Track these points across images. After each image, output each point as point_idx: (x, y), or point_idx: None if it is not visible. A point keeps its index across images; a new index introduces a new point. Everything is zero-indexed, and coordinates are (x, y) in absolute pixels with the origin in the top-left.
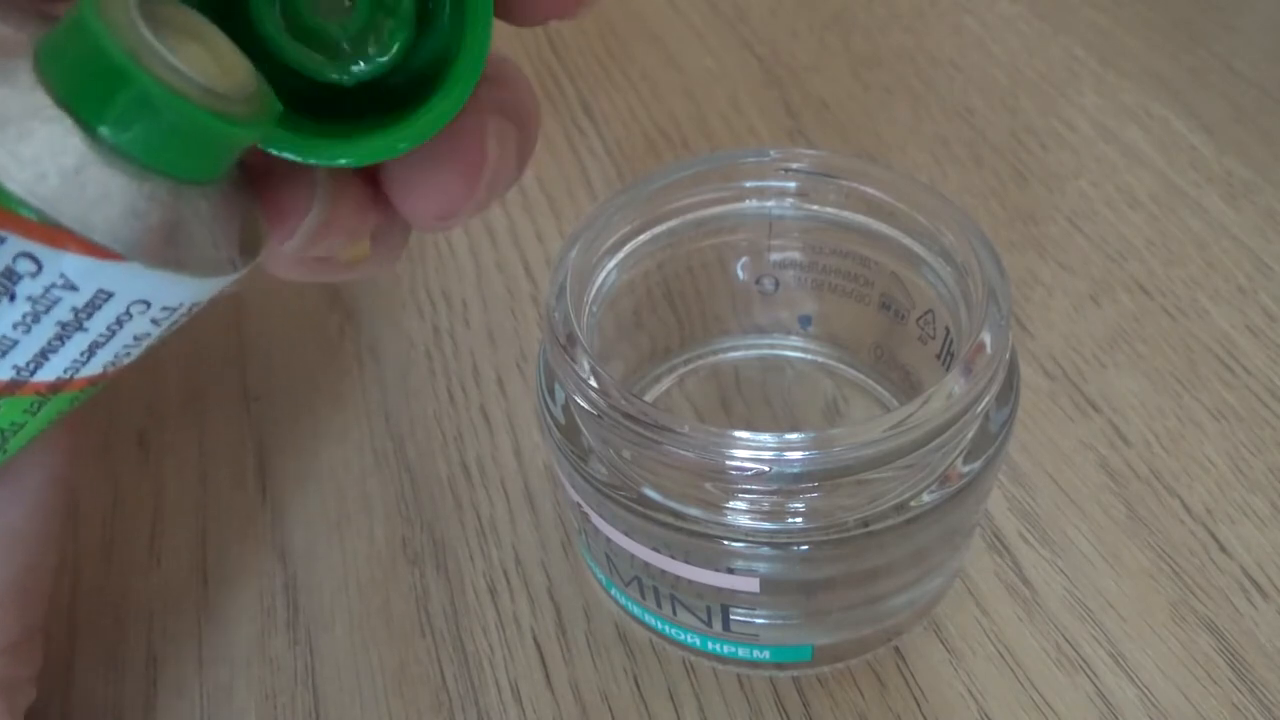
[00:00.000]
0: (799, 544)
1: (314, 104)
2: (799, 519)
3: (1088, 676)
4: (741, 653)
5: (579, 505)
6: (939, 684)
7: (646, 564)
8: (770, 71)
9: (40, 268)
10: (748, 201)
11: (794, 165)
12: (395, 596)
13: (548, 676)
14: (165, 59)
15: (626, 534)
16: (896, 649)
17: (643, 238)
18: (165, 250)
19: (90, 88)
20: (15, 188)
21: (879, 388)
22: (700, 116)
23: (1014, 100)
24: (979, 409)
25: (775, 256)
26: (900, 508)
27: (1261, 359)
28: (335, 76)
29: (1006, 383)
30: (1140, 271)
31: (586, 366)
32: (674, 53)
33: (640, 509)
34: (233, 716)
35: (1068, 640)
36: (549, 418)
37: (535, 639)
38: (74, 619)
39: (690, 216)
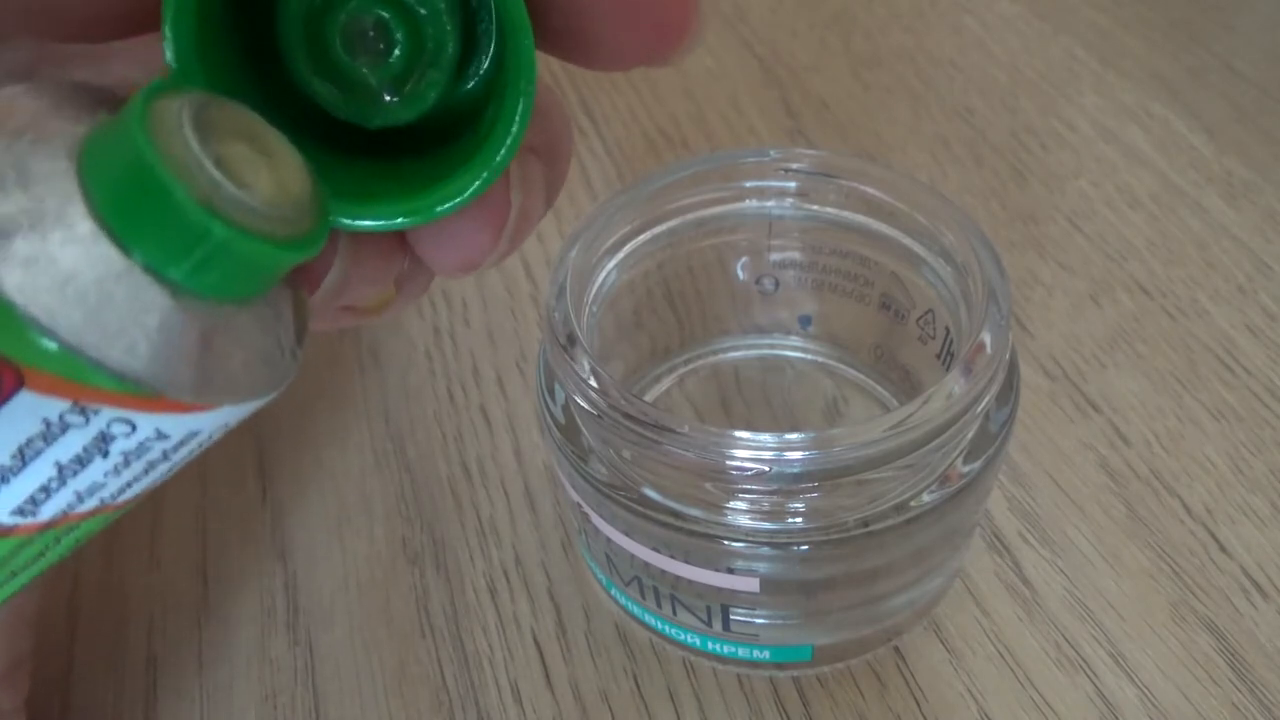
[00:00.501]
0: (799, 544)
1: (330, 130)
2: (799, 519)
3: (1088, 676)
4: (741, 653)
5: (579, 505)
6: (939, 684)
7: (646, 564)
8: (770, 71)
9: (135, 428)
10: (748, 201)
11: (794, 165)
12: (395, 596)
13: (548, 676)
14: (233, 196)
15: (626, 534)
16: (896, 649)
17: (643, 238)
18: (253, 383)
19: (163, 239)
20: (110, 364)
21: (879, 388)
22: (700, 116)
23: (1014, 100)
24: (979, 409)
25: (775, 256)
26: (900, 508)
27: (1261, 359)
28: (364, 121)
29: (1006, 383)
30: (1140, 271)
31: (586, 366)
32: None
33: (640, 509)
34: (233, 716)
35: (1068, 640)
36: (549, 418)
37: (535, 639)
38: (74, 619)
39: (690, 216)
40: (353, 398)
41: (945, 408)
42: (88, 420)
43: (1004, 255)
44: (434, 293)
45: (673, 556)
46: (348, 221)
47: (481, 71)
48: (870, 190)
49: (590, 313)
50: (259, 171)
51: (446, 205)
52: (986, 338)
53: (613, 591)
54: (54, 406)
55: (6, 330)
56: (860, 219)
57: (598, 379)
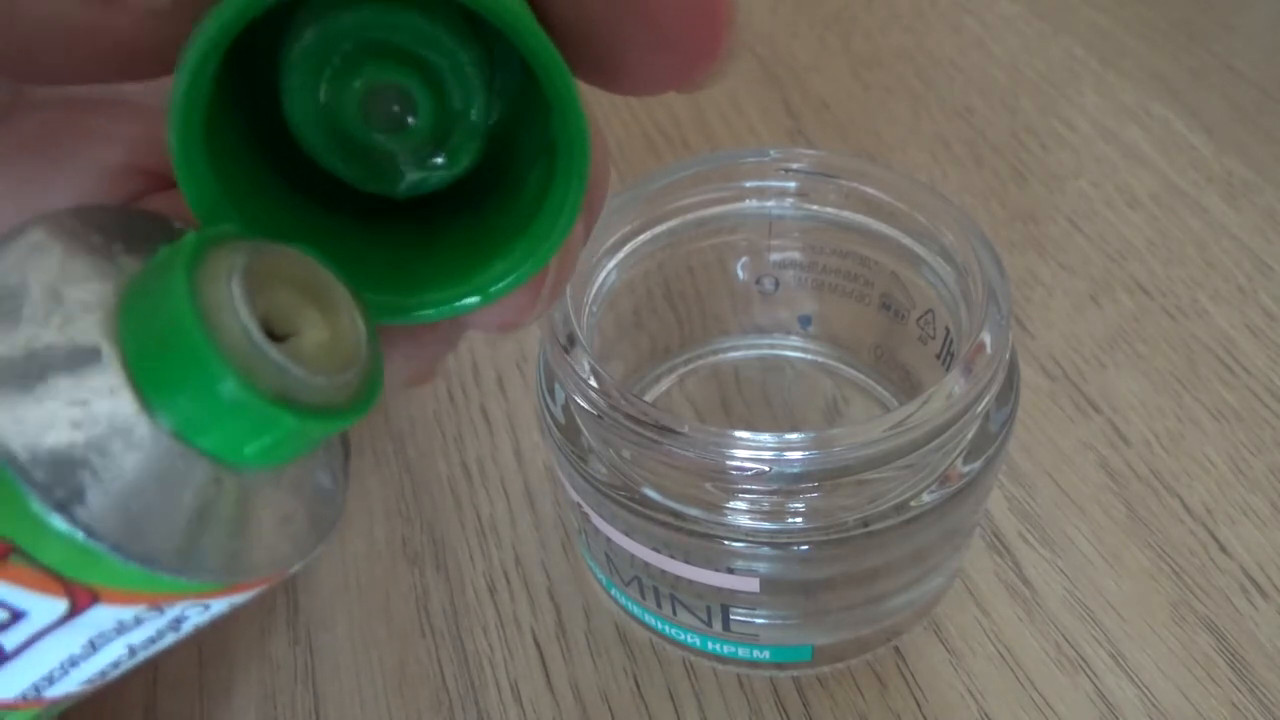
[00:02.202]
0: (799, 544)
1: (351, 200)
2: (799, 519)
3: (1088, 676)
4: (741, 653)
5: (579, 505)
6: (939, 684)
7: (646, 564)
8: (770, 71)
9: (209, 608)
10: (748, 201)
11: (794, 165)
12: (395, 596)
13: (548, 676)
14: (291, 373)
15: (626, 534)
16: (896, 649)
17: (643, 238)
18: (319, 530)
19: (225, 429)
20: (187, 576)
21: (879, 388)
22: (700, 116)
23: (1014, 100)
24: (979, 409)
25: (775, 256)
26: (900, 508)
27: (1261, 359)
28: (392, 192)
29: (1006, 383)
30: (1140, 271)
31: (586, 366)
32: None
33: (640, 509)
34: (233, 716)
35: (1068, 640)
36: (549, 418)
37: (535, 639)
38: None
39: (690, 216)
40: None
41: (945, 408)
42: (163, 612)
43: (1004, 255)
44: None
45: (673, 556)
46: (403, 318)
47: (501, 112)
48: (870, 190)
49: (590, 313)
50: (315, 332)
51: (504, 284)
52: (986, 338)
53: (613, 591)
54: (129, 611)
55: (78, 557)
56: (860, 219)
57: (598, 379)
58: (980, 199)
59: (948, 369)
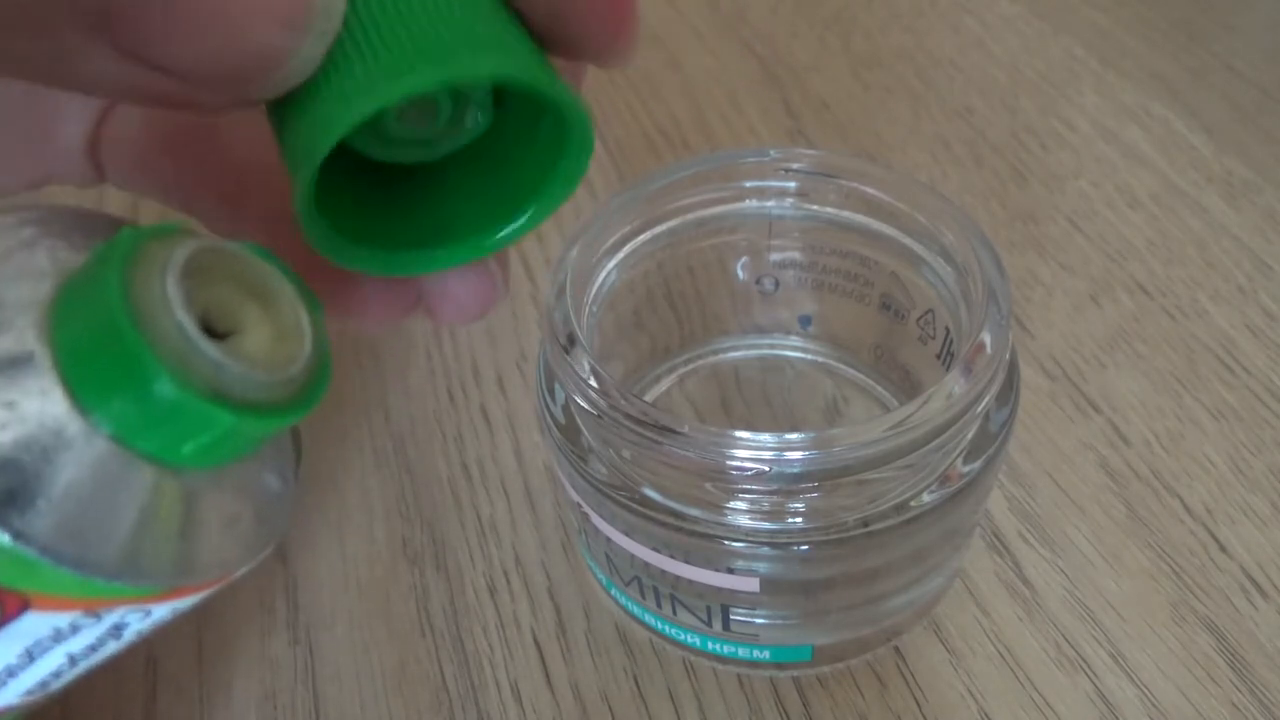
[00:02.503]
0: (799, 544)
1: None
2: (799, 519)
3: (1088, 676)
4: (741, 653)
5: (579, 505)
6: (939, 684)
7: (646, 564)
8: (770, 71)
9: (149, 613)
10: (748, 201)
11: (794, 165)
12: (395, 596)
13: (548, 676)
14: (228, 370)
15: (626, 534)
16: (896, 649)
17: (643, 238)
18: (268, 532)
19: (161, 428)
20: (123, 581)
21: (879, 388)
22: (700, 116)
23: (1014, 100)
24: (979, 409)
25: (775, 256)
26: (900, 508)
27: (1261, 359)
28: (402, 159)
29: (1006, 383)
30: (1140, 271)
31: (586, 366)
32: (674, 53)
33: (640, 509)
34: (233, 716)
35: (1068, 640)
36: (549, 418)
37: (535, 639)
38: None
39: (690, 216)
40: (352, 397)
41: (945, 408)
42: (100, 618)
43: (1004, 255)
44: None
45: (673, 556)
46: (403, 271)
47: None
48: (870, 190)
49: (590, 313)
50: (255, 324)
51: (508, 233)
52: (986, 338)
53: (613, 591)
54: (64, 618)
55: (6, 562)
56: (860, 219)
57: (598, 379)
58: (980, 199)
59: (948, 369)
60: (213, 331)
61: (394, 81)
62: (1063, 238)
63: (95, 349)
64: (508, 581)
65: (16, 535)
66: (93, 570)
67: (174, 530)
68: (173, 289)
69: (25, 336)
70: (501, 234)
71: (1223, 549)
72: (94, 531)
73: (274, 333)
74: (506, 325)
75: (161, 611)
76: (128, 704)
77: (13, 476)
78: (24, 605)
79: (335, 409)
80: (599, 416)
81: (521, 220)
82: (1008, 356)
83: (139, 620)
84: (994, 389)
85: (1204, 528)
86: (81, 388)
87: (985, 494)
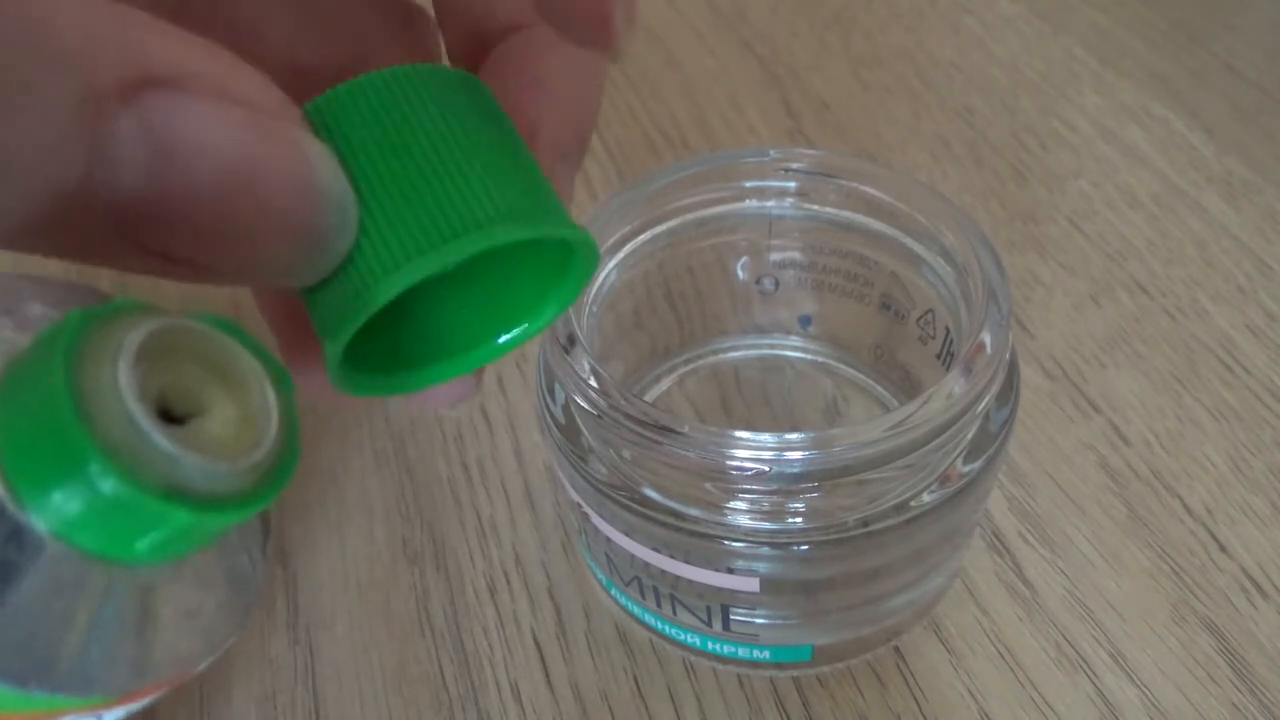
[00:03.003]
0: (799, 544)
1: None
2: (799, 519)
3: (1088, 676)
4: (741, 653)
5: (579, 505)
6: (939, 684)
7: (646, 564)
8: (770, 71)
9: (100, 717)
10: (748, 201)
11: (794, 165)
12: (395, 596)
13: (548, 676)
14: (184, 463)
15: (626, 534)
16: (896, 649)
17: (643, 238)
18: (232, 621)
19: (110, 526)
20: (66, 693)
21: (879, 388)
22: (700, 116)
23: (1014, 100)
24: (979, 409)
25: (775, 256)
26: (900, 508)
27: (1261, 359)
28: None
29: (1006, 383)
30: (1140, 271)
31: (586, 366)
32: (674, 53)
33: (640, 509)
34: (233, 716)
35: (1068, 640)
36: (549, 418)
37: (535, 639)
38: None
39: (690, 216)
40: (352, 397)
41: (945, 408)
42: None
43: (1004, 255)
44: None
45: (673, 556)
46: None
47: None
48: (870, 190)
49: (590, 313)
50: (218, 406)
51: (535, 327)
52: (986, 338)
53: (613, 591)
54: None
55: None
56: (860, 219)
57: (598, 379)
58: (980, 199)
59: (948, 369)
60: (172, 415)
61: (417, 261)
62: (1063, 238)
63: (40, 443)
64: (508, 581)
65: None
66: (38, 685)
67: (128, 632)
68: (124, 376)
69: None
70: (502, 343)
71: (1223, 549)
72: (39, 642)
73: (239, 414)
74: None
75: (114, 715)
76: None
77: None
78: None
79: (335, 409)
80: (599, 416)
81: (518, 331)
82: (1008, 356)
83: None
84: (994, 389)
85: (1204, 528)
86: (24, 485)
87: (985, 494)
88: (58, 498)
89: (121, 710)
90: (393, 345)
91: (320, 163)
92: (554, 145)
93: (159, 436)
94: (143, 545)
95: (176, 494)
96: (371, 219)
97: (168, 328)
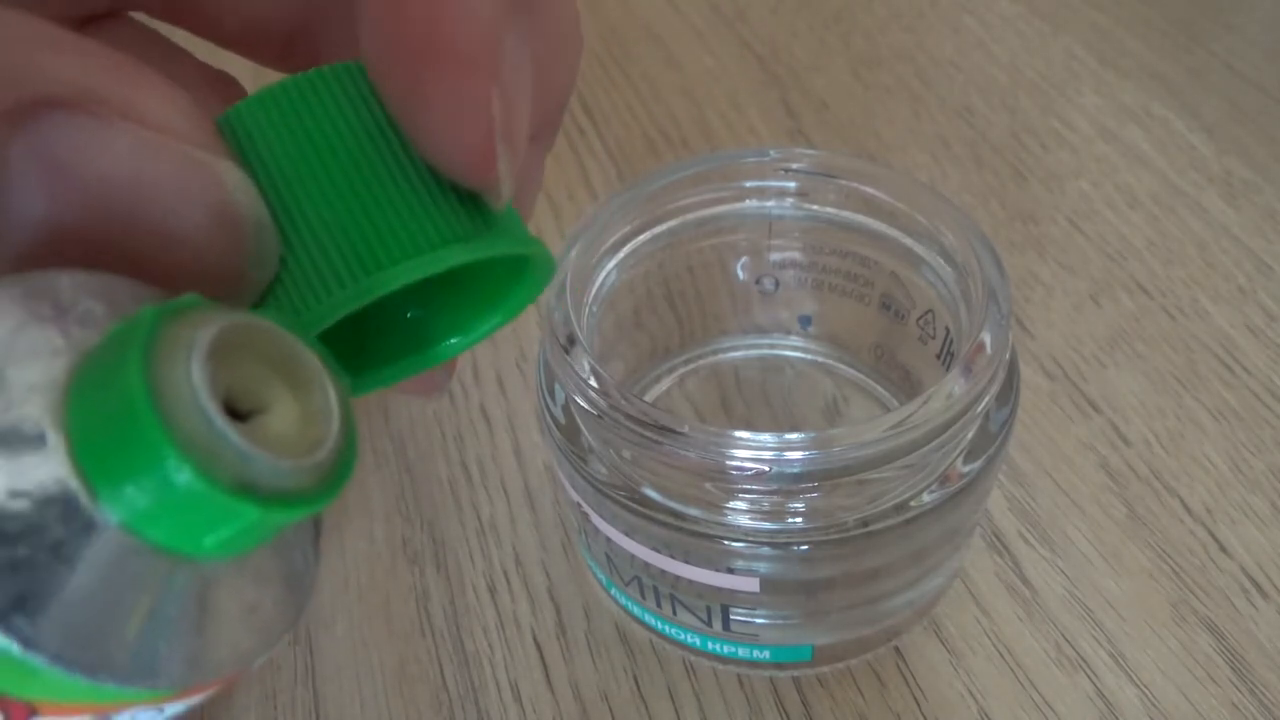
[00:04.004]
0: (799, 544)
1: None
2: (799, 519)
3: (1088, 676)
4: (741, 653)
5: (579, 505)
6: (939, 684)
7: (646, 564)
8: (770, 71)
9: (161, 710)
10: (748, 201)
11: (794, 165)
12: (395, 596)
13: (548, 676)
14: (254, 460)
15: (626, 534)
16: (896, 649)
17: (643, 238)
18: (286, 617)
19: (182, 522)
20: (133, 687)
21: (879, 388)
22: (700, 116)
23: (1014, 100)
24: (979, 409)
25: (775, 256)
26: (900, 508)
27: (1261, 359)
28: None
29: (1006, 383)
30: (1140, 271)
31: (586, 366)
32: (674, 53)
33: (640, 509)
34: (233, 716)
35: (1068, 640)
36: (549, 418)
37: (535, 639)
38: None
39: (690, 216)
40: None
41: (945, 408)
42: None
43: (1004, 255)
44: None
45: (673, 556)
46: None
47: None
48: (870, 190)
49: (590, 313)
50: (281, 404)
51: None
52: (986, 338)
53: (613, 591)
54: None
55: (13, 670)
56: (860, 219)
57: (598, 379)
58: (980, 199)
59: (948, 369)
60: (236, 413)
61: (352, 289)
62: (1063, 238)
63: (115, 438)
64: (508, 581)
65: (26, 644)
66: (107, 677)
67: (192, 626)
68: (198, 375)
69: (38, 422)
70: (453, 344)
71: (1223, 549)
72: (109, 635)
73: (300, 413)
74: (507, 325)
75: (175, 709)
76: None
77: (24, 579)
78: (30, 714)
79: None
80: (599, 416)
81: (469, 336)
82: (1008, 356)
83: (151, 718)
84: (994, 389)
85: (1204, 528)
86: (99, 479)
87: (985, 494)
88: (131, 491)
89: (182, 705)
90: (337, 349)
91: (234, 186)
92: None
93: (232, 434)
94: (210, 540)
95: (248, 490)
96: (301, 242)
97: (236, 325)
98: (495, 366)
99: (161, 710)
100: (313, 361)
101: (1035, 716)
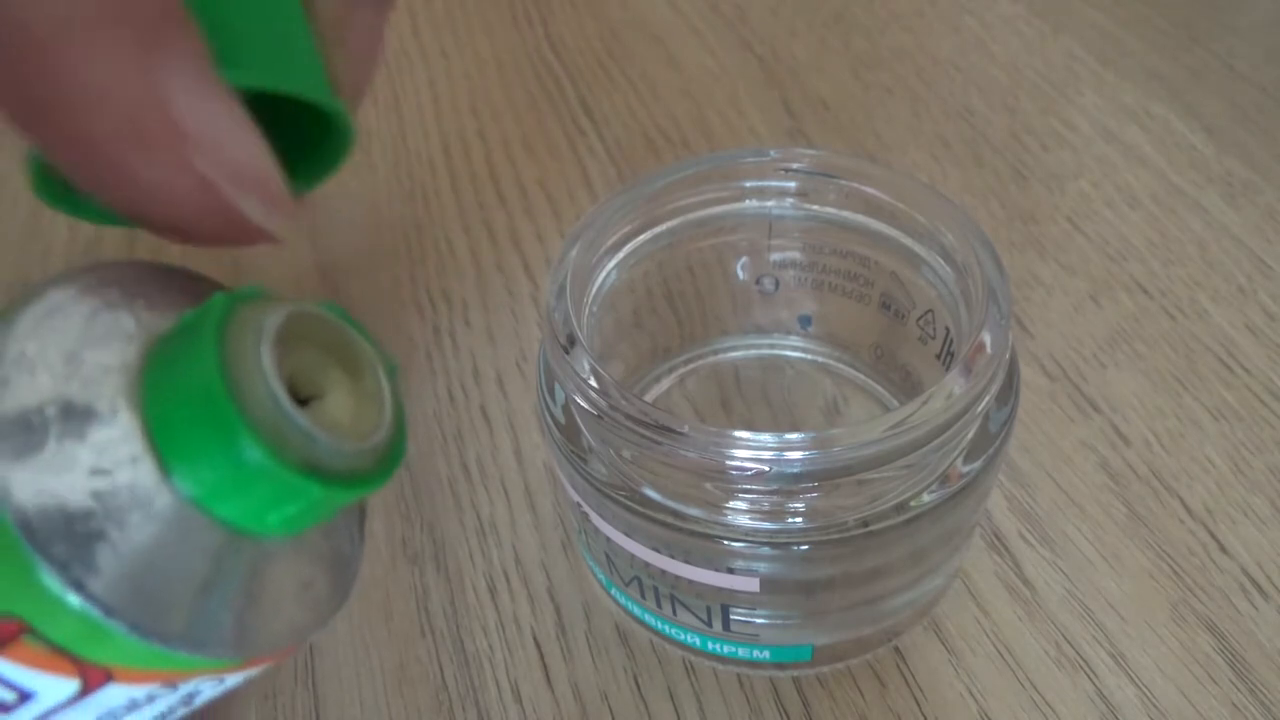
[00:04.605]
0: (799, 544)
1: None
2: (799, 519)
3: (1088, 676)
4: (741, 653)
5: (579, 505)
6: (939, 684)
7: (646, 564)
8: (770, 71)
9: (223, 681)
10: (748, 201)
11: (794, 165)
12: (395, 596)
13: (548, 676)
14: (318, 441)
15: (626, 534)
16: (896, 649)
17: (643, 238)
18: (341, 594)
19: (250, 499)
20: (206, 655)
21: (879, 388)
22: (700, 116)
23: (1014, 100)
24: (979, 409)
25: (775, 256)
26: (900, 508)
27: (1261, 359)
28: None
29: (1006, 383)
30: (1140, 271)
31: (586, 366)
32: (674, 53)
33: (640, 509)
34: (232, 717)
35: (1068, 640)
36: (549, 418)
37: (535, 639)
38: None
39: (690, 216)
40: None
41: (945, 408)
42: (176, 688)
43: (1004, 255)
44: (434, 292)
45: (673, 556)
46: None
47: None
48: (870, 190)
49: (590, 313)
50: (337, 390)
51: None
52: (986, 338)
53: (613, 591)
54: (142, 690)
55: (94, 635)
56: (860, 219)
57: (598, 379)
58: (980, 199)
59: (948, 369)
60: (297, 397)
61: None
62: (1063, 238)
63: (188, 417)
64: (508, 581)
65: (108, 612)
66: (177, 644)
67: (254, 599)
68: (267, 358)
69: (114, 402)
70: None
71: (1223, 549)
72: (181, 605)
73: (355, 398)
74: (506, 325)
75: (235, 679)
76: None
77: (105, 550)
78: (106, 678)
79: None
80: (599, 416)
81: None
82: (1008, 356)
83: (212, 688)
84: (994, 389)
85: (1204, 528)
86: (172, 456)
87: (985, 494)
88: (203, 469)
89: (241, 676)
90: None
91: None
92: None
93: (299, 416)
94: (274, 518)
95: (312, 470)
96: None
97: (298, 313)
98: (495, 366)
99: (222, 681)
100: (366, 349)
101: (1035, 716)
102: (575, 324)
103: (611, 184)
